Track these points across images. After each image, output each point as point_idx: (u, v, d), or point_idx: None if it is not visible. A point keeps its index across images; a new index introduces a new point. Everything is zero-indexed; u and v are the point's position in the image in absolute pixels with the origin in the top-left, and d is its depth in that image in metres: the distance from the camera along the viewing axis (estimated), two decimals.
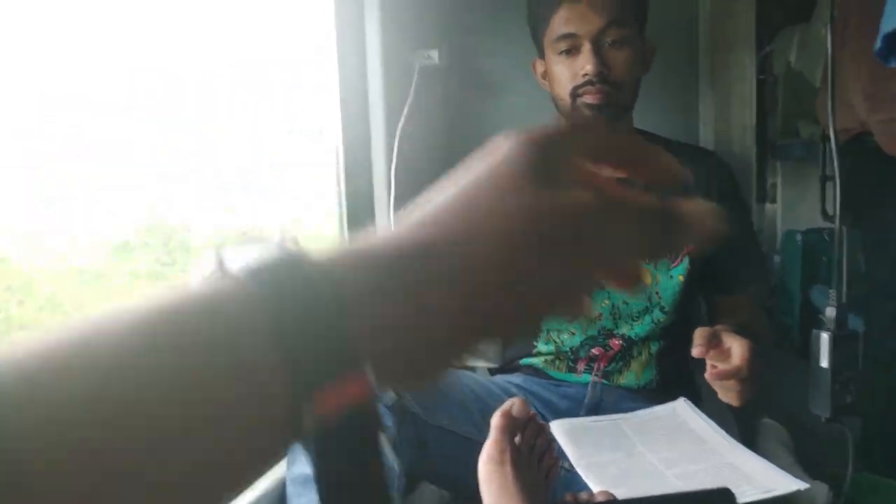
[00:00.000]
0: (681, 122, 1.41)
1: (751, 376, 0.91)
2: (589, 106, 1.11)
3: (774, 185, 2.90)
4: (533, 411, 0.84)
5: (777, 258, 2.84)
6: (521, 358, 1.25)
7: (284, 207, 1.31)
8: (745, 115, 1.37)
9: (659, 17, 1.20)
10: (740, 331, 0.95)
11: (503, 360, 1.27)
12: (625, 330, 1.19)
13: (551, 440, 0.88)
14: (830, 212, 2.79)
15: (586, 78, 1.10)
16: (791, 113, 2.76)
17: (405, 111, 1.22)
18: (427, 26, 1.38)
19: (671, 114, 1.41)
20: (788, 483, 0.86)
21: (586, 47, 1.10)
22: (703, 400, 1.28)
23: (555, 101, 1.18)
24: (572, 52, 1.12)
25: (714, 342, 0.91)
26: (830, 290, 0.99)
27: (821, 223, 2.25)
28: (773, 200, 2.92)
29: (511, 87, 1.46)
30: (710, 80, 1.38)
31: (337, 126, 1.19)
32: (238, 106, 1.12)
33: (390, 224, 1.15)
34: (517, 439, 0.82)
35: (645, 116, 1.23)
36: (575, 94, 1.12)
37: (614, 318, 1.19)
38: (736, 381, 0.91)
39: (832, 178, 2.35)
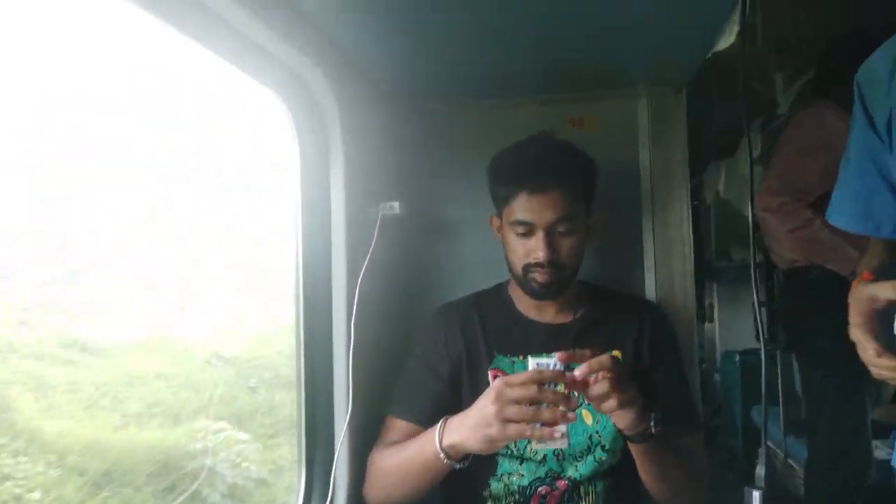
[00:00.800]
0: (624, 271, 1.51)
1: (618, 383, 1.01)
2: (538, 283, 1.24)
3: (711, 306, 3.05)
4: None
5: (718, 377, 2.94)
6: None
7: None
8: (684, 267, 1.48)
9: (609, 183, 1.32)
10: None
11: None
12: (570, 471, 1.23)
13: None
14: (766, 335, 2.93)
15: (537, 260, 1.22)
16: (724, 238, 2.94)
17: (366, 261, 1.27)
18: (390, 178, 1.46)
19: (615, 265, 1.51)
20: None
21: (539, 234, 1.22)
22: None
23: (508, 263, 1.30)
24: (527, 234, 1.24)
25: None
26: (759, 449, 1.05)
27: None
28: (712, 320, 3.07)
29: (469, 235, 1.54)
30: (653, 237, 1.49)
31: (298, 275, 1.23)
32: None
33: (348, 367, 1.19)
34: None
35: (593, 264, 1.33)
36: (527, 270, 1.25)
37: (559, 460, 1.23)
38: (611, 394, 1.01)
39: (764, 303, 2.50)
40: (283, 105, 1.19)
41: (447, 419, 1.14)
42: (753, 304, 2.30)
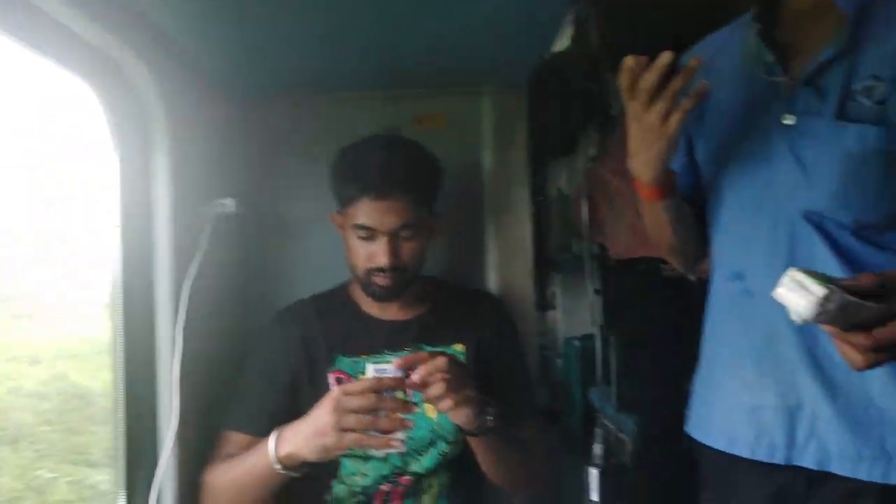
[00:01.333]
0: (468, 267, 1.52)
1: (454, 384, 1.03)
2: (380, 286, 1.23)
3: (554, 294, 3.19)
4: None
5: (560, 361, 3.09)
6: None
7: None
8: (525, 266, 1.52)
9: (452, 181, 1.32)
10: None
11: None
12: (414, 466, 1.23)
13: None
14: (601, 321, 3.14)
15: (380, 266, 1.21)
16: (565, 231, 3.08)
17: (196, 263, 1.18)
18: (225, 176, 1.37)
19: (461, 261, 1.53)
20: None
21: (383, 240, 1.20)
22: None
23: (350, 264, 1.27)
24: (369, 238, 1.21)
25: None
26: (597, 429, 1.11)
27: None
28: (555, 308, 3.22)
29: (315, 234, 1.48)
30: (495, 236, 1.52)
31: (116, 280, 1.12)
32: None
33: (172, 380, 1.11)
34: None
35: (438, 261, 1.34)
36: (369, 273, 1.23)
37: (402, 456, 1.22)
38: (447, 395, 1.02)
39: (600, 291, 2.65)
40: (99, 98, 1.07)
41: (281, 429, 1.10)
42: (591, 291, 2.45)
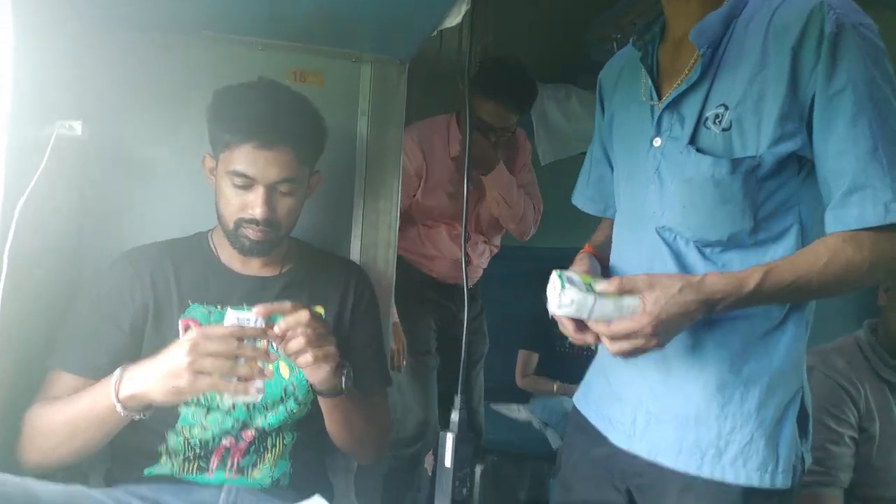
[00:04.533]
0: (334, 234, 1.51)
1: (315, 339, 1.03)
2: (250, 240, 1.18)
3: None
4: None
5: None
6: (145, 467, 1.16)
7: None
8: (389, 237, 1.53)
9: (326, 145, 1.29)
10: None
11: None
12: (259, 421, 1.19)
13: None
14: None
15: (253, 217, 1.16)
16: None
17: (31, 185, 1.06)
18: (71, 95, 1.24)
19: (327, 226, 1.50)
20: None
21: (259, 191, 1.15)
22: (336, 497, 1.34)
23: (219, 212, 1.20)
24: (245, 187, 1.16)
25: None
26: (455, 396, 1.14)
27: None
28: None
29: (171, 177, 1.40)
30: (364, 204, 1.52)
31: None
32: None
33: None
34: None
35: (304, 223, 1.31)
36: (239, 224, 1.17)
37: (249, 409, 1.18)
38: (307, 349, 1.03)
39: None
40: None
41: (126, 367, 1.03)
42: None
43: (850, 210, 0.90)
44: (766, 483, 0.95)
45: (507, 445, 2.89)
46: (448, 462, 1.08)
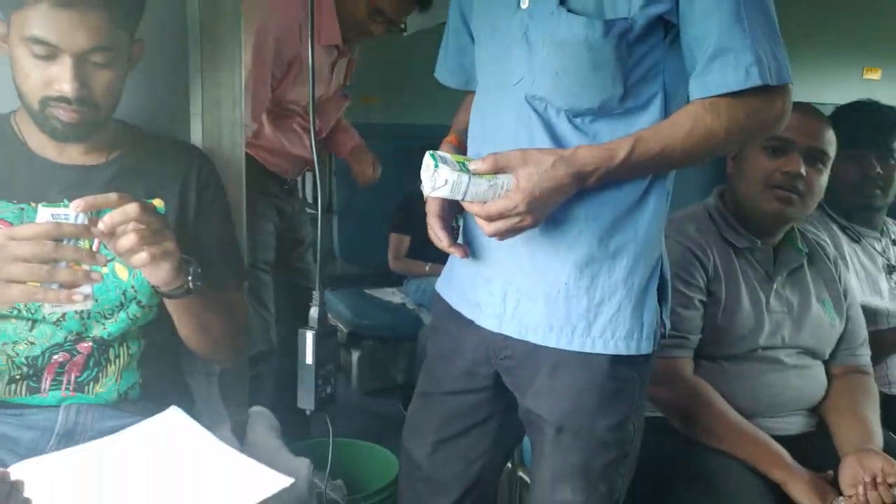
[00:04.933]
0: (168, 115, 1.33)
1: (150, 235, 0.91)
2: (62, 122, 1.00)
3: None
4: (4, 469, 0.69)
5: None
6: None
7: None
8: (234, 114, 1.37)
9: (148, 10, 1.09)
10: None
11: None
12: (97, 331, 1.07)
13: (27, 500, 0.73)
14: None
15: (61, 94, 0.97)
16: None
17: None
18: None
19: (159, 105, 1.31)
20: (277, 482, 0.92)
21: (67, 62, 0.96)
22: (196, 401, 1.26)
23: (18, 89, 1.01)
24: (48, 57, 0.96)
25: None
26: (314, 292, 1.09)
27: None
28: None
29: None
30: (201, 78, 1.33)
31: None
32: None
33: None
34: None
35: (131, 104, 1.13)
36: (45, 103, 0.99)
37: (82, 319, 1.06)
38: (140, 247, 0.90)
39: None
40: None
41: None
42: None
43: (712, 76, 0.90)
44: (632, 350, 0.99)
45: (382, 329, 2.92)
46: (309, 359, 1.05)
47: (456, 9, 1.17)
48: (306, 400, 1.06)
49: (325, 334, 1.06)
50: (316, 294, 1.08)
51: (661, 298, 1.03)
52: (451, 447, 1.15)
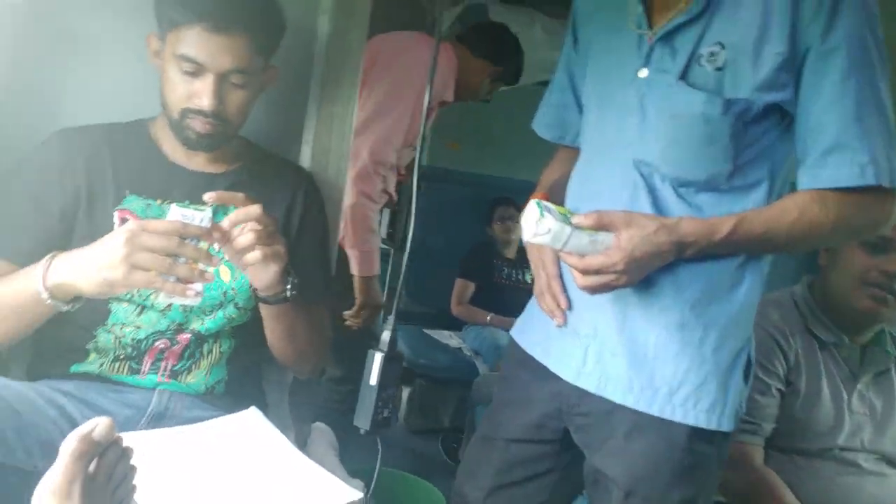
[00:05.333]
0: (284, 138, 1.41)
1: (266, 235, 0.98)
2: (196, 132, 1.09)
3: None
4: (118, 434, 0.74)
5: None
6: (71, 363, 1.09)
7: None
8: (342, 146, 1.45)
9: (282, 41, 1.19)
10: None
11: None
12: (196, 325, 1.13)
13: (133, 466, 0.78)
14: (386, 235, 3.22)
15: (200, 108, 1.07)
16: None
17: None
18: None
19: (277, 128, 1.40)
20: (346, 495, 0.95)
21: (209, 79, 1.06)
22: (269, 405, 1.31)
23: (163, 99, 1.11)
24: (194, 74, 1.06)
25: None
26: (389, 316, 1.13)
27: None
28: None
29: (110, 54, 1.26)
30: (318, 108, 1.42)
31: None
32: None
33: None
34: (92, 466, 0.70)
35: (252, 123, 1.21)
36: (185, 114, 1.08)
37: (186, 312, 1.12)
38: (256, 245, 0.97)
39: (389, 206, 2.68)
40: None
41: (56, 254, 0.95)
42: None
43: (825, 170, 0.91)
44: (713, 424, 0.97)
45: (437, 370, 2.93)
46: (374, 380, 1.07)
47: (564, 68, 1.21)
48: (363, 419, 1.07)
49: (393, 358, 1.08)
50: (391, 318, 1.11)
51: (745, 379, 1.02)
52: (507, 494, 1.15)
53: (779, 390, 1.31)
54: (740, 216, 0.93)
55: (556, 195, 1.14)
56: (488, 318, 3.03)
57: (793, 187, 0.97)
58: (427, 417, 3.05)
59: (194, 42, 1.03)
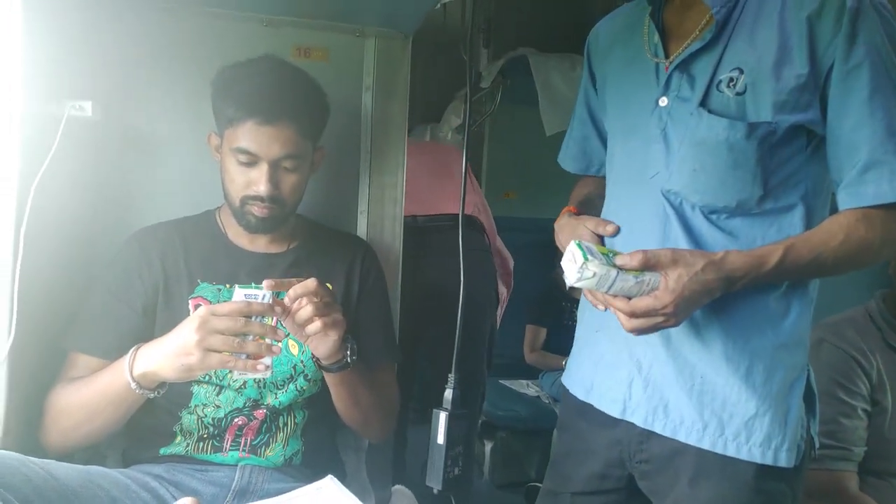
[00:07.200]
0: (341, 210, 1.51)
1: (323, 306, 1.03)
2: (255, 216, 1.18)
3: None
4: None
5: None
6: (160, 446, 1.17)
7: None
8: (395, 211, 1.53)
9: (330, 121, 1.29)
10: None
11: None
12: (270, 399, 1.20)
13: None
14: None
15: (258, 194, 1.16)
16: None
17: (44, 166, 1.06)
18: (85, 78, 1.24)
19: (333, 202, 1.50)
20: None
21: (263, 167, 1.15)
22: (348, 474, 1.35)
23: (224, 190, 1.21)
24: (250, 164, 1.16)
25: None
26: (449, 375, 1.15)
27: None
28: None
29: (179, 154, 1.39)
30: (370, 179, 1.51)
31: None
32: None
33: (14, 288, 0.99)
34: None
35: (310, 200, 1.31)
36: (245, 201, 1.18)
37: (259, 388, 1.19)
38: (315, 317, 1.03)
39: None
40: None
41: (139, 346, 1.04)
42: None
43: (866, 187, 0.89)
44: (768, 459, 0.94)
45: (517, 421, 2.89)
46: (441, 440, 1.09)
47: (583, 101, 1.23)
48: (434, 478, 1.09)
49: (458, 416, 1.10)
50: (451, 376, 1.14)
51: (810, 411, 0.98)
52: None
53: (865, 411, 1.25)
54: (787, 243, 0.91)
55: (585, 209, 1.15)
56: (563, 362, 2.99)
57: (834, 209, 0.95)
58: (512, 470, 3.00)
59: (247, 135, 1.13)
